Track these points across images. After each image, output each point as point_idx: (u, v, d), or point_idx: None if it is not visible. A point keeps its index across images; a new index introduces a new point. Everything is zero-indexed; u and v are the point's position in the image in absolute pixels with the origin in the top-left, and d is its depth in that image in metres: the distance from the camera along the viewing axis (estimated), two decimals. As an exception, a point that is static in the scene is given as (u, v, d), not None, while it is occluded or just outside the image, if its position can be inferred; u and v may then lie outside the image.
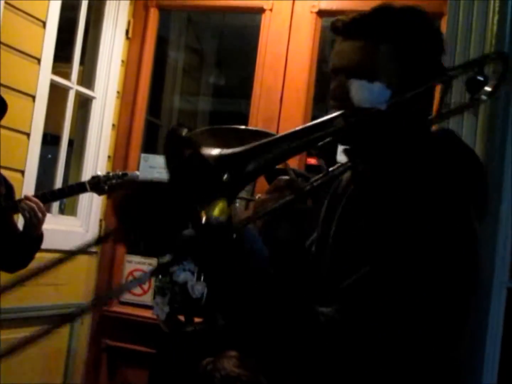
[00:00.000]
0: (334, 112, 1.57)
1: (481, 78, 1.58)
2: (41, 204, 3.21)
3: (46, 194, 3.39)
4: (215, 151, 1.36)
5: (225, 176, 1.33)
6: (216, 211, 1.32)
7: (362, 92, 1.56)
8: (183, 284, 3.21)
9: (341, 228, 1.68)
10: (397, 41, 1.63)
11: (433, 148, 1.60)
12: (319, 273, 1.69)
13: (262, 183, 4.59)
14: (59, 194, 3.49)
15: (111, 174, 3.42)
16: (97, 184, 3.38)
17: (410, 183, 1.51)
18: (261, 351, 1.57)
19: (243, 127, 3.21)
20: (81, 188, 3.43)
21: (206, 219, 1.30)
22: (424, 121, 1.64)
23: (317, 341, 1.40)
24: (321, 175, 1.56)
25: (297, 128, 1.50)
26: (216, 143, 3.37)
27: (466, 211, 1.50)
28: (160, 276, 3.25)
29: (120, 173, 3.44)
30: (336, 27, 1.70)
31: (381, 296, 1.41)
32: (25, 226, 3.24)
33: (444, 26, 4.19)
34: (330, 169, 1.58)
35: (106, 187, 3.39)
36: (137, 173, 3.50)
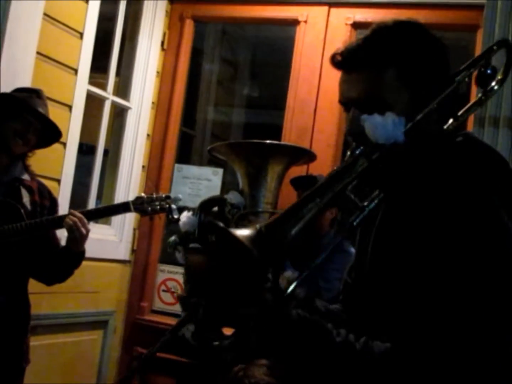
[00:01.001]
0: (352, 147, 1.55)
1: (489, 71, 1.57)
2: (85, 220, 3.26)
3: (91, 211, 3.46)
4: (249, 232, 1.35)
5: (269, 255, 1.35)
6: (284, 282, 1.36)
7: (376, 129, 1.51)
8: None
9: (377, 250, 1.65)
10: (400, 62, 1.60)
11: (455, 155, 1.57)
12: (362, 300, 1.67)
13: (285, 194, 4.61)
14: (104, 212, 3.55)
15: (155, 196, 3.45)
16: (141, 205, 3.43)
17: (438, 194, 1.49)
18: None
19: (265, 141, 3.24)
20: (125, 208, 3.48)
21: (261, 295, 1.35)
22: (443, 130, 1.61)
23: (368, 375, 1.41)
24: (358, 213, 1.51)
25: (322, 181, 1.49)
26: (237, 158, 3.39)
27: (495, 210, 1.46)
28: (186, 287, 3.24)
29: (163, 195, 3.48)
30: (336, 62, 1.67)
31: (438, 316, 1.40)
32: (68, 240, 3.29)
33: (479, 38, 4.18)
34: (365, 204, 1.52)
35: (150, 209, 3.43)
36: (180, 196, 3.55)
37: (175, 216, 3.41)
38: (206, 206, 3.27)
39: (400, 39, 1.62)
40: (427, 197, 1.51)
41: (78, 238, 3.25)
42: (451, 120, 1.61)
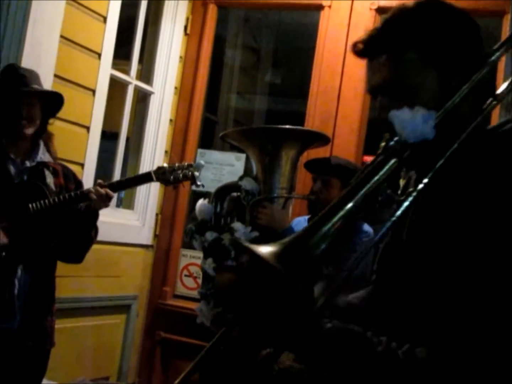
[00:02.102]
0: (386, 136, 1.45)
1: None
2: (110, 194, 3.27)
3: (114, 183, 3.44)
4: (274, 248, 1.27)
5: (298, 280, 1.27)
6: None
7: (405, 128, 1.42)
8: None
9: (414, 237, 1.55)
10: (421, 42, 1.52)
11: (496, 139, 1.48)
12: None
13: (301, 179, 4.55)
14: (126, 183, 3.53)
15: (176, 165, 3.42)
16: (163, 174, 3.39)
17: (485, 182, 1.40)
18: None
19: (277, 126, 3.21)
20: (147, 177, 3.44)
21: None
22: (478, 114, 1.51)
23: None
24: (395, 206, 1.42)
25: (352, 185, 1.39)
26: (250, 144, 3.35)
27: None
28: (203, 281, 3.21)
29: (186, 164, 3.44)
30: (357, 51, 1.62)
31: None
32: (88, 208, 3.29)
33: (506, 24, 4.14)
34: (402, 198, 1.42)
35: (172, 177, 3.39)
36: (202, 162, 3.48)
37: (198, 183, 3.39)
38: (221, 193, 3.25)
39: (420, 19, 1.54)
40: (472, 185, 1.42)
41: (101, 208, 3.30)
42: (489, 100, 1.53)
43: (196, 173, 3.40)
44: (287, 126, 3.17)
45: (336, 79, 4.92)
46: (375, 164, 1.43)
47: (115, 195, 3.44)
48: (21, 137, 3.22)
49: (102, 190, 3.25)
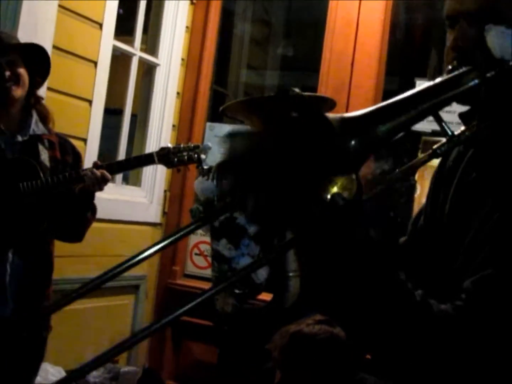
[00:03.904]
0: (454, 64, 1.34)
1: None
2: (107, 175, 3.07)
3: (113, 164, 3.23)
4: (335, 115, 1.11)
5: (352, 143, 1.10)
6: (338, 187, 1.09)
7: (504, 41, 1.30)
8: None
9: (459, 206, 1.43)
10: None
11: None
12: (433, 258, 1.46)
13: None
14: (126, 165, 3.32)
15: (182, 146, 3.22)
16: (166, 156, 3.19)
17: None
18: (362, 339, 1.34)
19: (272, 95, 3.02)
20: (148, 159, 3.25)
21: (331, 198, 1.09)
22: None
23: (426, 335, 1.20)
24: (444, 140, 1.27)
25: (424, 87, 1.26)
26: (254, 116, 3.18)
27: None
28: (216, 265, 3.04)
29: (192, 145, 3.24)
30: None
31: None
32: (82, 190, 3.09)
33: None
34: (456, 133, 1.28)
35: (176, 160, 3.20)
36: (209, 144, 3.30)
37: (205, 167, 3.21)
38: (223, 168, 3.07)
39: None
40: None
41: (96, 191, 3.11)
42: None
43: (203, 156, 3.20)
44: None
45: (349, 45, 4.74)
46: (451, 75, 1.29)
47: (111, 177, 3.22)
48: (10, 104, 3.00)
49: (98, 173, 3.05)
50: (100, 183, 3.07)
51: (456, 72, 1.30)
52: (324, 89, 4.74)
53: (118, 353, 1.19)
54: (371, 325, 1.21)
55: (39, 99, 3.18)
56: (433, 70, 5.51)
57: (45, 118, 3.16)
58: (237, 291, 2.97)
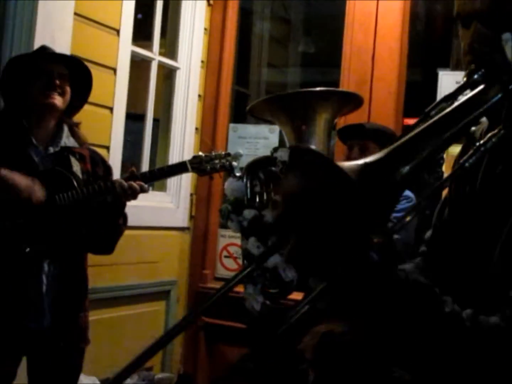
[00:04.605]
0: (471, 68, 1.29)
1: None
2: (135, 187, 3.07)
3: (146, 174, 3.24)
4: (355, 163, 1.09)
5: (375, 192, 1.08)
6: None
7: None
8: (274, 269, 3.01)
9: (487, 199, 1.37)
10: None
11: None
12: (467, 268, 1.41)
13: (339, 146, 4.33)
14: (159, 174, 3.32)
15: (213, 154, 3.26)
16: (199, 164, 3.23)
17: None
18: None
19: (306, 89, 2.99)
20: (182, 168, 3.27)
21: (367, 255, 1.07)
22: None
23: (478, 350, 1.17)
24: (471, 152, 1.22)
25: (446, 112, 1.21)
26: (281, 113, 3.14)
27: None
28: (246, 263, 3.03)
29: (223, 153, 3.28)
30: None
31: None
32: (114, 199, 3.09)
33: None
34: (481, 142, 1.23)
35: (209, 167, 3.24)
36: (241, 152, 3.33)
37: (237, 174, 3.20)
38: (252, 169, 3.07)
39: None
40: None
41: (129, 200, 3.13)
42: None
43: (235, 163, 3.25)
44: (318, 88, 2.98)
45: (370, 39, 4.69)
46: (473, 94, 1.24)
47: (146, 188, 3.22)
48: (48, 112, 3.01)
49: (126, 184, 3.05)
50: (129, 194, 3.07)
51: (477, 90, 1.25)
52: (346, 84, 4.70)
53: (152, 355, 1.22)
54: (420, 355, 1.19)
55: (74, 122, 3.21)
56: (455, 60, 5.43)
57: (75, 132, 3.17)
58: (269, 290, 2.95)
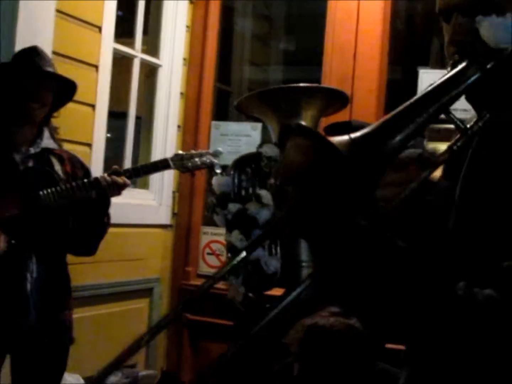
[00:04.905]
0: (455, 58, 1.31)
1: None
2: (119, 181, 3.09)
3: (129, 171, 3.27)
4: (343, 138, 1.13)
5: (364, 164, 1.12)
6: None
7: (497, 30, 1.27)
8: (256, 261, 3.03)
9: (470, 190, 1.38)
10: None
11: None
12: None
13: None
14: (142, 171, 3.35)
15: (194, 152, 3.33)
16: (180, 161, 3.28)
17: None
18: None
19: (294, 84, 3.01)
20: (164, 165, 3.32)
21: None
22: None
23: (472, 322, 1.17)
24: (458, 136, 1.26)
25: (428, 89, 1.25)
26: (267, 108, 3.16)
27: None
28: (230, 255, 3.06)
29: (204, 151, 3.36)
30: None
31: None
32: (98, 195, 3.11)
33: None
34: (468, 126, 1.27)
35: (190, 165, 3.28)
36: (220, 149, 3.38)
37: (218, 171, 3.24)
38: (240, 164, 3.09)
39: None
40: None
41: (114, 195, 3.16)
42: None
43: (215, 160, 3.31)
44: (306, 84, 2.99)
45: (351, 36, 4.70)
46: (451, 74, 1.27)
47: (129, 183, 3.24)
48: (30, 122, 3.05)
49: (109, 178, 3.09)
50: (115, 189, 3.11)
51: (456, 69, 1.28)
52: (328, 82, 4.72)
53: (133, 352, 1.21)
54: (410, 321, 1.20)
55: (52, 126, 3.24)
56: (435, 58, 5.47)
57: (55, 136, 3.21)
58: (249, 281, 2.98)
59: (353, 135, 1.13)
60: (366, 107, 4.54)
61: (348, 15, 4.72)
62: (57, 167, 3.12)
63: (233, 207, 3.00)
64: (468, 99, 1.39)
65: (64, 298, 3.16)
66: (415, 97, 1.23)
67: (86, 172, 3.30)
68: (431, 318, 1.17)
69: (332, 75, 4.75)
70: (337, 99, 3.22)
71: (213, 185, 3.08)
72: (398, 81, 5.57)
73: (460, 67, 1.28)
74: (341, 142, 1.11)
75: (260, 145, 3.05)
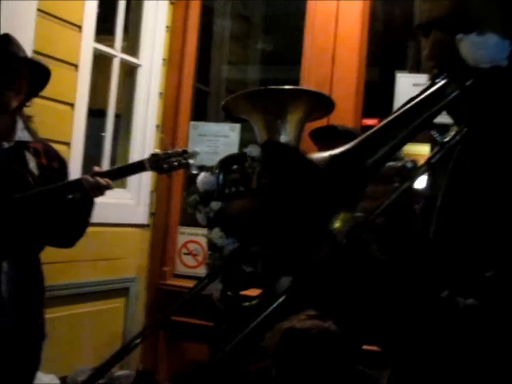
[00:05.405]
0: (434, 72, 1.32)
1: None
2: (102, 182, 3.07)
3: (104, 173, 3.23)
4: (323, 155, 1.14)
5: (343, 181, 1.13)
6: (338, 223, 1.11)
7: (476, 49, 1.27)
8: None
9: (450, 200, 1.40)
10: None
11: None
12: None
13: (306, 147, 4.41)
14: (118, 173, 3.31)
15: (170, 151, 3.24)
16: (156, 163, 3.20)
17: None
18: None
19: (282, 86, 3.02)
20: (140, 167, 3.26)
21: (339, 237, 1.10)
22: None
23: (453, 331, 1.19)
24: (436, 149, 1.27)
25: (408, 106, 1.25)
26: (253, 108, 3.18)
27: None
28: (210, 253, 3.07)
29: (180, 150, 3.27)
30: None
31: None
32: (82, 197, 3.09)
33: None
34: (445, 140, 1.28)
35: (166, 166, 3.21)
36: (198, 150, 3.34)
37: (194, 172, 3.23)
38: (226, 164, 3.10)
39: None
40: None
41: (96, 196, 3.12)
42: None
43: (191, 161, 3.24)
44: (294, 87, 3.00)
45: (330, 40, 4.73)
46: (430, 91, 1.27)
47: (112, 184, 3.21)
48: (4, 111, 2.98)
49: (92, 180, 3.05)
50: (98, 190, 3.07)
51: (436, 86, 1.29)
52: (306, 84, 4.74)
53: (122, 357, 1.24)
54: (390, 328, 1.21)
55: (26, 116, 3.18)
56: (412, 61, 5.52)
57: (29, 127, 3.15)
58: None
59: (333, 152, 1.15)
60: (344, 109, 4.56)
61: (327, 18, 4.74)
62: (32, 163, 3.06)
63: (215, 205, 3.03)
64: (448, 113, 1.41)
65: (41, 297, 3.15)
66: (396, 113, 1.24)
67: (62, 163, 3.26)
68: (413, 327, 1.20)
69: (310, 77, 4.77)
70: (324, 104, 3.25)
71: (197, 183, 3.10)
72: (376, 83, 5.61)
73: (440, 84, 1.29)
74: (320, 159, 1.12)
75: (245, 146, 3.09)
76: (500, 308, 1.19)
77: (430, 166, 1.24)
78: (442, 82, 1.29)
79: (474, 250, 1.29)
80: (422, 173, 1.26)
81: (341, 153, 1.16)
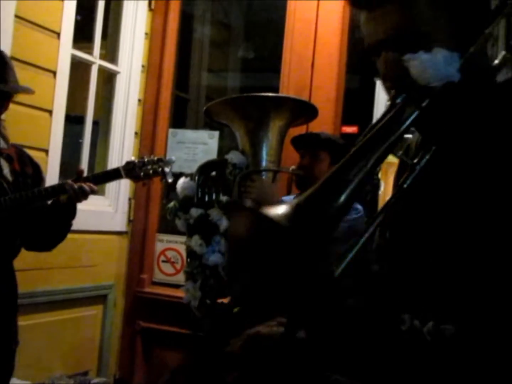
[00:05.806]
0: (392, 94, 1.31)
1: None
2: (86, 188, 3.05)
3: (82, 179, 3.21)
4: (287, 205, 1.11)
5: (309, 232, 1.11)
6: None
7: (426, 69, 1.27)
8: (214, 267, 3.05)
9: (424, 211, 1.39)
10: None
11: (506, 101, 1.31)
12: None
13: (286, 156, 4.44)
14: (94, 180, 3.29)
15: (146, 159, 3.23)
16: (132, 170, 3.19)
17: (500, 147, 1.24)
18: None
19: (265, 94, 3.04)
20: (115, 174, 3.24)
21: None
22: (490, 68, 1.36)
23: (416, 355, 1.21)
24: (408, 173, 1.27)
25: (367, 137, 1.24)
26: (235, 115, 3.19)
27: None
28: (189, 260, 3.09)
29: (156, 158, 3.26)
30: (355, 1, 1.43)
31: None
32: (68, 201, 3.07)
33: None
34: (415, 161, 1.28)
35: (142, 174, 3.20)
36: (173, 158, 3.33)
37: (169, 180, 3.22)
38: (205, 169, 3.11)
39: None
40: (487, 151, 1.26)
41: (80, 201, 3.11)
42: (503, 53, 1.37)
43: (167, 169, 3.23)
44: (276, 94, 3.02)
45: (309, 46, 4.74)
46: (391, 116, 1.26)
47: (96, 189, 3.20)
48: None
49: (75, 185, 3.04)
50: (82, 195, 3.06)
51: (394, 110, 1.28)
52: (285, 91, 4.74)
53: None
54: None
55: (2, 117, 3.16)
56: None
57: (1, 131, 3.12)
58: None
59: (297, 200, 1.13)
60: (324, 116, 4.56)
61: (306, 25, 4.75)
62: (6, 170, 3.04)
63: (195, 212, 3.04)
64: (417, 130, 1.42)
65: (12, 305, 3.13)
66: (359, 144, 1.23)
67: (35, 167, 3.24)
68: (379, 354, 1.21)
69: (290, 84, 4.77)
70: (307, 112, 3.27)
71: (177, 188, 3.11)
72: (356, 90, 5.63)
73: (397, 107, 1.27)
74: (284, 211, 1.10)
75: (226, 152, 3.11)
76: (479, 334, 1.19)
77: (402, 190, 1.25)
78: (399, 105, 1.28)
79: (443, 269, 1.30)
80: (397, 200, 1.26)
81: (306, 200, 1.14)
